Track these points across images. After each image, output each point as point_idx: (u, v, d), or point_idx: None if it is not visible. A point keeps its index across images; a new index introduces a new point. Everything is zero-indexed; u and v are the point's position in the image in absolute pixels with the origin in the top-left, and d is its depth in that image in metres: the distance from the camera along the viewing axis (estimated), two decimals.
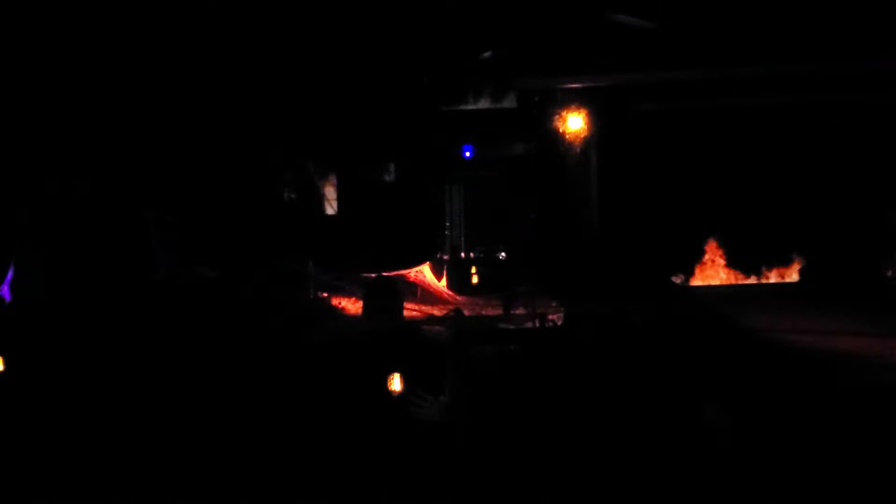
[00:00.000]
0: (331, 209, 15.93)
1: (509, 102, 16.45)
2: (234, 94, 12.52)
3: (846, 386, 7.62)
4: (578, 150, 15.70)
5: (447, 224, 17.72)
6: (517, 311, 11.53)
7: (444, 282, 15.14)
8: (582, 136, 15.68)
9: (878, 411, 6.55)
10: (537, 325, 8.29)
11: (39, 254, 11.27)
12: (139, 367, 8.52)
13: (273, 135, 13.21)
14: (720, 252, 14.15)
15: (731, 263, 13.88)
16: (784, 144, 14.49)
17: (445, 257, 17.05)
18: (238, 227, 12.72)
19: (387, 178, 16.93)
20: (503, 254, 16.72)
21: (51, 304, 10.55)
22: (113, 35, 11.31)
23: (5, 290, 11.14)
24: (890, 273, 13.99)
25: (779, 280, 14.12)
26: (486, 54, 15.74)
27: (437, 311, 10.64)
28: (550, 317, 8.53)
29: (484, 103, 16.52)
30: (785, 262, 14.26)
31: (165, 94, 11.96)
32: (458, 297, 14.69)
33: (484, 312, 12.60)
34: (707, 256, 14.19)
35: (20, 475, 7.71)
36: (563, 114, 15.58)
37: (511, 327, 8.44)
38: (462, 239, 17.65)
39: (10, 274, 11.30)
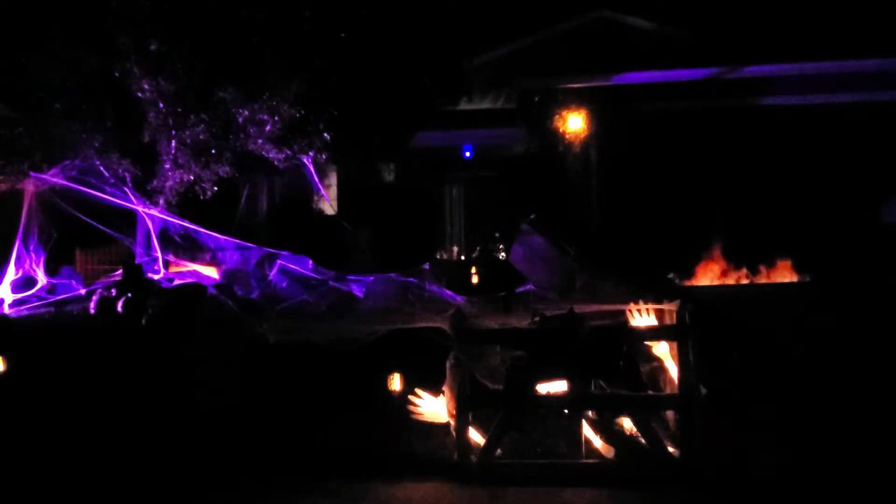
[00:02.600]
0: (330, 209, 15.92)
1: (509, 102, 16.46)
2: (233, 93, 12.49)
3: None
4: (578, 150, 15.71)
5: (447, 224, 17.72)
6: (517, 311, 11.49)
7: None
8: (582, 136, 15.69)
9: None
10: (537, 324, 8.27)
11: None
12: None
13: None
14: (722, 252, 14.11)
15: (733, 263, 13.83)
16: (784, 144, 14.49)
17: (446, 257, 17.04)
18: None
19: (387, 178, 16.95)
20: (503, 254, 16.69)
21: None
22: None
23: (5, 289, 11.13)
24: None
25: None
26: (487, 54, 15.76)
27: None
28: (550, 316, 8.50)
29: (484, 103, 16.54)
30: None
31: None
32: (457, 297, 14.63)
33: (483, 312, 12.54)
34: (709, 256, 14.15)
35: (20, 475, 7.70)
36: (563, 114, 15.58)
37: (511, 327, 8.43)
38: (462, 239, 17.63)
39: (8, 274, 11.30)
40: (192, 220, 11.84)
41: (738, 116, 14.69)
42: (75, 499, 7.36)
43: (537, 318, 8.23)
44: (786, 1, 15.02)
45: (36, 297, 10.96)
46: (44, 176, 11.22)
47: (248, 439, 8.07)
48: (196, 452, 7.96)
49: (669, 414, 8.09)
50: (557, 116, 15.56)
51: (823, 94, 14.82)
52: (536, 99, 15.85)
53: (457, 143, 16.68)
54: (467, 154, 16.83)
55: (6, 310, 10.55)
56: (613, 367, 7.80)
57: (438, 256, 16.81)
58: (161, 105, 11.09)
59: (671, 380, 8.08)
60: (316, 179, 13.46)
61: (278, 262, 11.47)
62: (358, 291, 10.77)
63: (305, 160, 12.56)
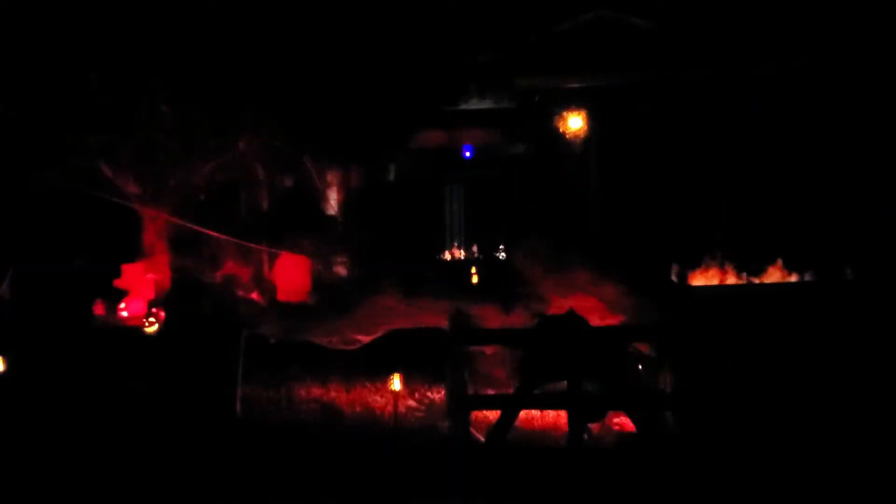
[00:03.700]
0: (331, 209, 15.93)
1: (509, 102, 16.44)
2: (233, 94, 12.51)
3: None
4: (578, 150, 15.69)
5: (447, 224, 17.72)
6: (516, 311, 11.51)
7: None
8: (582, 136, 15.68)
9: None
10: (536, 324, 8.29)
11: None
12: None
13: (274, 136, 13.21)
14: (720, 252, 14.09)
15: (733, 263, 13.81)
16: (784, 142, 14.46)
17: (446, 258, 17.04)
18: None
19: (387, 178, 16.95)
20: (503, 254, 16.70)
21: None
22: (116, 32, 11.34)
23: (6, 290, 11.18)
24: None
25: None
26: (487, 54, 15.74)
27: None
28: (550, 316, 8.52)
29: (484, 103, 16.52)
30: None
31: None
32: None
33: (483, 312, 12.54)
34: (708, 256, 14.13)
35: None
36: (564, 114, 15.57)
37: (510, 327, 8.45)
38: (462, 239, 17.63)
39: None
40: (192, 221, 11.87)
41: (739, 115, 14.66)
42: None
43: (537, 318, 8.23)
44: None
45: None
46: None
47: None
48: None
49: None
50: (557, 116, 15.55)
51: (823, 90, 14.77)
52: (536, 99, 15.84)
53: (457, 143, 16.68)
54: (467, 154, 16.84)
55: None
56: (614, 366, 7.80)
57: (439, 256, 16.81)
58: None
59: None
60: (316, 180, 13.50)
61: None
62: None
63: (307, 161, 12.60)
